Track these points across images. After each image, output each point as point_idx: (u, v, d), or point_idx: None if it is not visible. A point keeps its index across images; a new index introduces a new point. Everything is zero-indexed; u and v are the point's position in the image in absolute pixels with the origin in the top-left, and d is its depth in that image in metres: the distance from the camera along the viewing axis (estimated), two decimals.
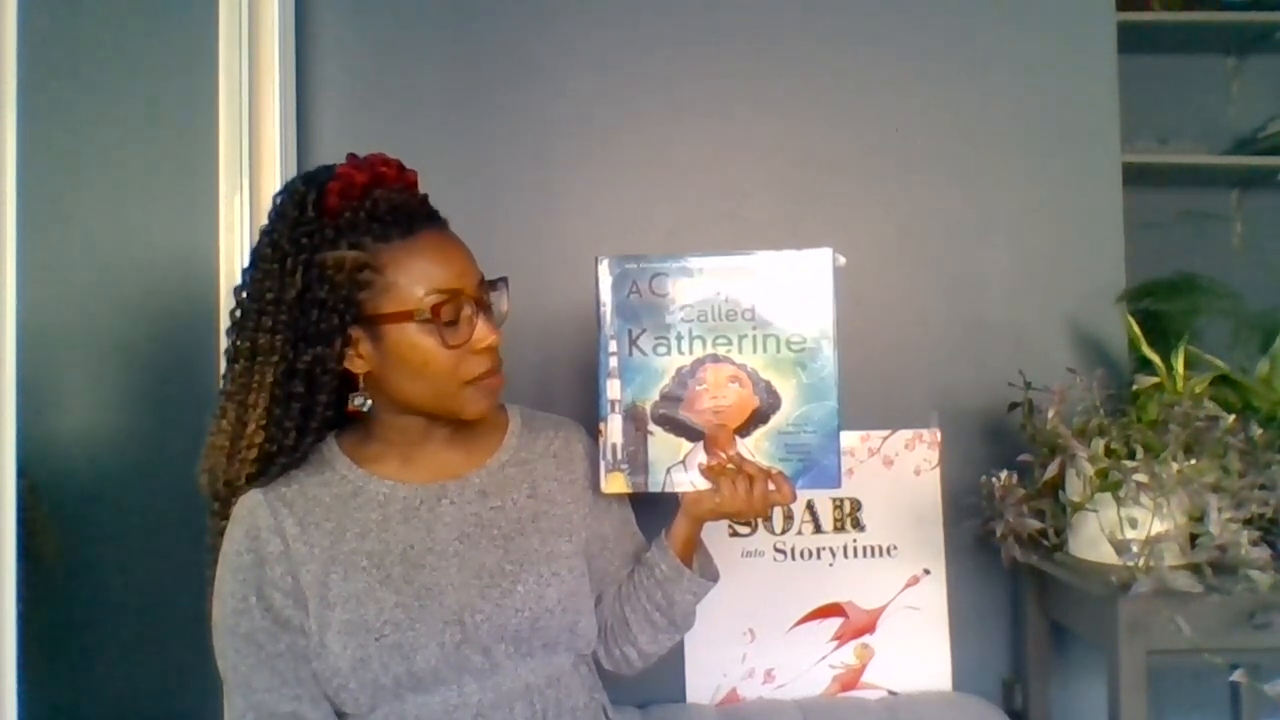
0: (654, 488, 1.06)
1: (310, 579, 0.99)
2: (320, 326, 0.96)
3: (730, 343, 1.05)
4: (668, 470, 1.06)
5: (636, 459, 1.06)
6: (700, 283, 1.05)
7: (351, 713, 0.99)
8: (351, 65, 1.61)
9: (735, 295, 1.05)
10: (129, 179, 1.39)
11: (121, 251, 1.37)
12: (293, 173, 1.51)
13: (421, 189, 1.04)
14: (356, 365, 1.00)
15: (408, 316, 0.97)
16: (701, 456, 1.05)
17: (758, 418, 1.05)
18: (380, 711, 0.98)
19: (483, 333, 1.00)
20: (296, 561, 0.99)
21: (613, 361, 1.06)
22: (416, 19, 1.62)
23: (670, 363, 1.05)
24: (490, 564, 1.03)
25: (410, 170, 1.03)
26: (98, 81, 1.35)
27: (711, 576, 1.13)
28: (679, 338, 1.05)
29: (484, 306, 1.02)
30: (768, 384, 1.05)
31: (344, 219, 0.96)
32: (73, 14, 1.31)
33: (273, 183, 1.46)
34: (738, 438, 1.05)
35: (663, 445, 1.06)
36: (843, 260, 1.05)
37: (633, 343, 1.05)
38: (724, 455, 1.04)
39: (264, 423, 0.98)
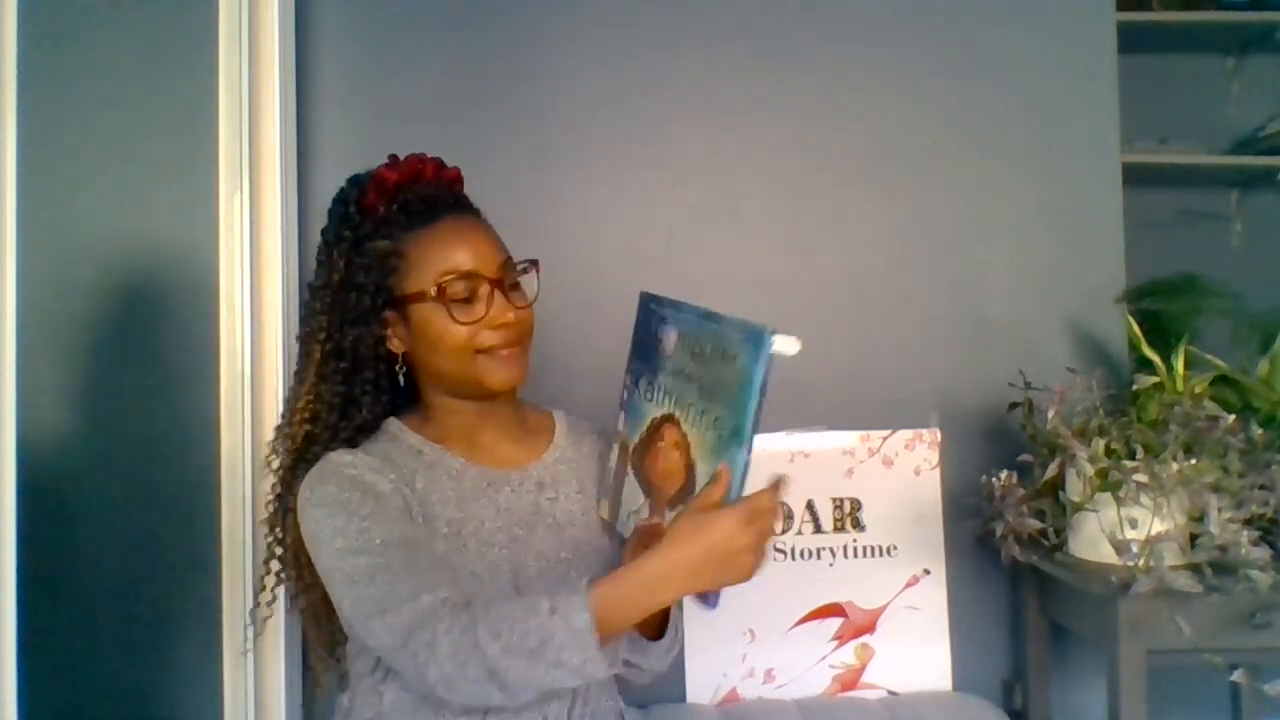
0: (619, 528, 1.05)
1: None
2: (359, 309, 1.05)
3: (682, 409, 0.94)
4: (629, 515, 1.02)
5: (615, 495, 1.05)
6: (680, 338, 0.95)
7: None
8: (351, 65, 1.61)
9: (696, 358, 0.92)
10: (129, 179, 1.39)
11: (121, 251, 1.37)
12: (293, 173, 1.52)
13: None
14: (395, 346, 1.08)
15: (422, 296, 1.04)
16: (645, 513, 0.99)
17: (683, 494, 0.93)
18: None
19: (498, 310, 1.04)
20: (407, 497, 1.02)
21: (625, 395, 1.06)
22: (416, 19, 1.62)
23: (651, 411, 0.99)
24: (547, 550, 1.07)
25: (450, 168, 1.11)
26: (98, 81, 1.35)
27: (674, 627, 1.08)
28: (660, 389, 0.98)
29: (507, 286, 1.06)
30: (692, 465, 0.91)
31: (379, 214, 1.05)
32: (73, 14, 1.31)
33: (273, 183, 1.46)
34: (666, 510, 0.95)
35: (630, 490, 1.03)
36: (796, 349, 0.82)
37: (637, 382, 1.04)
38: (657, 520, 0.97)
39: (310, 397, 1.06)
